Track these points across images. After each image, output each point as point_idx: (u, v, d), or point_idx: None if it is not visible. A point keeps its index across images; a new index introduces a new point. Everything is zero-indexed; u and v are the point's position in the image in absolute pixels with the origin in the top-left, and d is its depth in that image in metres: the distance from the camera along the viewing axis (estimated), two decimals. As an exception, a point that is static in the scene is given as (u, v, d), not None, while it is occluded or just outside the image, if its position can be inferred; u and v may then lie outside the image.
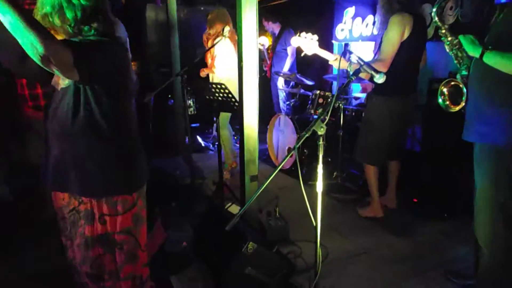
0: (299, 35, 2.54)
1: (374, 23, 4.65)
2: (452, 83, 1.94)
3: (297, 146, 1.63)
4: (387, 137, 2.84)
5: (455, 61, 1.97)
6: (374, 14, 4.63)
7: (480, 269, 1.89)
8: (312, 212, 1.73)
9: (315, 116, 4.08)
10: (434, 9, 1.96)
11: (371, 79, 1.74)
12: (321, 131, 1.63)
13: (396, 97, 2.77)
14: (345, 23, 5.05)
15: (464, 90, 1.88)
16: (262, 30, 6.76)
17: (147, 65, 6.50)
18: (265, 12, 5.61)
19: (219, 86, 2.63)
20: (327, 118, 1.63)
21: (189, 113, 3.03)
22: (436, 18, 1.95)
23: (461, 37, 1.80)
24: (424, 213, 3.13)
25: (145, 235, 1.68)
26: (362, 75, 1.95)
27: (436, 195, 3.27)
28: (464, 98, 1.88)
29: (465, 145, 1.94)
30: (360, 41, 4.88)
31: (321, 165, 1.67)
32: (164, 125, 5.12)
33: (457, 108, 1.92)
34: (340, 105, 3.70)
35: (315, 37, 2.52)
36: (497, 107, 1.68)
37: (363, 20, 4.80)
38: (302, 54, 2.61)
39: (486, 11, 3.31)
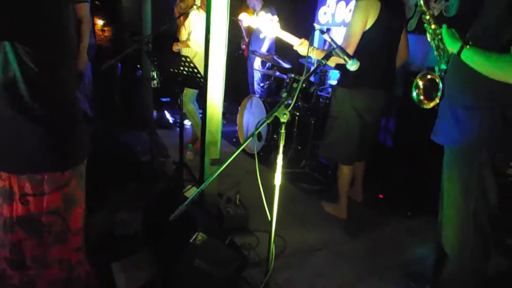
0: (257, 15, 2.28)
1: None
2: (429, 76, 1.80)
3: (256, 132, 1.46)
4: (353, 134, 2.64)
5: (435, 53, 1.83)
6: (359, 0, 4.48)
7: (444, 276, 1.80)
8: (269, 205, 1.60)
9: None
10: None
11: (340, 67, 1.58)
12: (284, 118, 1.47)
13: (360, 90, 2.55)
14: (328, 6, 4.86)
15: (440, 85, 1.74)
16: (243, 6, 6.48)
17: (120, 31, 6.13)
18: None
19: (183, 59, 2.41)
20: (292, 104, 1.47)
21: (152, 85, 2.79)
22: (421, 1, 1.79)
23: (443, 29, 1.65)
24: (389, 210, 3.07)
25: (79, 217, 1.48)
26: (331, 61, 1.77)
27: (403, 192, 3.22)
28: (439, 94, 1.74)
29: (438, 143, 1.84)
30: (343, 27, 4.72)
31: (280, 156, 1.52)
32: (131, 96, 4.85)
33: (431, 105, 1.78)
34: (314, 91, 3.55)
35: (276, 18, 2.28)
36: (468, 107, 1.55)
37: (346, 4, 4.62)
38: (262, 36, 2.38)
39: (472, 5, 3.20)
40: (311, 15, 5.12)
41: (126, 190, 2.82)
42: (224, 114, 5.52)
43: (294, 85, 3.70)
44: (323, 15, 4.93)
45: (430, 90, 1.80)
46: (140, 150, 3.47)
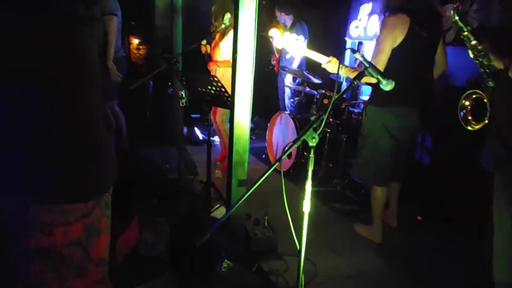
0: (283, 35, 2.25)
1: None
2: (475, 96, 1.65)
3: (283, 157, 1.38)
4: (384, 153, 2.50)
5: (481, 70, 1.68)
6: (392, 12, 4.34)
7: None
8: (298, 230, 1.50)
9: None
10: (454, 6, 1.67)
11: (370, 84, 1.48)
12: (312, 142, 1.38)
13: (389, 109, 2.42)
14: (360, 20, 4.74)
15: (487, 103, 1.59)
16: (274, 21, 6.49)
17: (153, 49, 6.30)
18: (280, 2, 5.33)
19: (211, 79, 2.38)
20: (321, 128, 1.38)
21: (181, 104, 2.78)
22: (456, 17, 1.66)
23: (487, 45, 1.52)
24: (428, 233, 2.87)
25: (102, 248, 1.44)
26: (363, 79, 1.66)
27: (443, 214, 3.01)
28: (488, 114, 1.59)
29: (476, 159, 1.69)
30: (375, 40, 4.56)
31: (309, 182, 1.42)
32: (161, 113, 4.91)
33: (479, 126, 1.63)
34: (346, 108, 3.43)
35: (301, 38, 2.23)
36: None
37: (379, 18, 4.47)
38: (289, 56, 2.36)
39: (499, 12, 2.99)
40: (343, 29, 5.02)
41: (152, 208, 2.80)
42: (253, 129, 5.49)
43: (325, 101, 3.61)
44: (355, 29, 4.81)
45: (477, 110, 1.65)
46: (168, 167, 3.46)
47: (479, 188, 2.79)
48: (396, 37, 2.24)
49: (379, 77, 1.40)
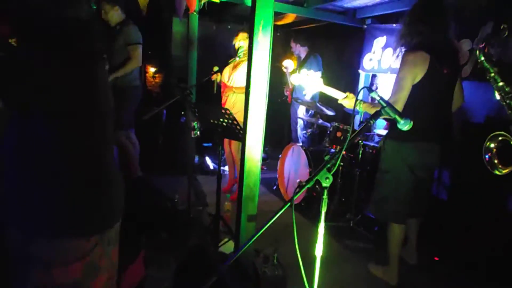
0: (299, 72, 2.25)
1: (406, 56, 4.33)
2: (501, 138, 1.57)
3: (294, 198, 1.32)
4: (404, 190, 2.40)
5: (508, 112, 1.61)
6: (406, 46, 4.33)
7: None
8: (309, 271, 1.42)
9: (332, 150, 3.75)
10: (480, 47, 1.63)
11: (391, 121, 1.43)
12: (326, 183, 1.32)
13: (410, 144, 2.34)
14: (374, 52, 4.75)
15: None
16: (288, 52, 6.57)
17: (169, 78, 6.43)
18: (295, 34, 5.41)
19: (223, 111, 2.37)
20: (335, 167, 1.32)
21: (192, 135, 2.76)
22: (482, 58, 1.61)
23: None
24: (446, 275, 2.72)
25: (101, 286, 1.38)
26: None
27: (462, 254, 2.86)
28: None
29: (500, 198, 1.60)
30: (389, 73, 4.55)
31: (322, 225, 1.35)
32: (174, 141, 4.93)
33: (507, 170, 1.53)
34: (360, 141, 3.37)
35: (319, 74, 2.24)
36: None
37: (394, 51, 4.46)
38: (304, 93, 2.35)
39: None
40: (356, 61, 5.03)
41: (160, 242, 2.74)
42: (265, 159, 5.45)
43: (338, 134, 3.56)
44: (369, 61, 4.82)
45: (504, 153, 1.57)
46: (177, 199, 3.41)
47: (500, 231, 2.68)
48: (417, 74, 2.20)
49: (396, 116, 1.35)
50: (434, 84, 2.25)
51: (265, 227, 1.33)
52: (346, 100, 2.31)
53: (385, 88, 4.91)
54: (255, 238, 1.33)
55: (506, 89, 1.55)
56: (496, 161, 1.58)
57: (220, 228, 2.85)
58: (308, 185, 1.33)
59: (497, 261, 2.65)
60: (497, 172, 1.57)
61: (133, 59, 3.57)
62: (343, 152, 3.59)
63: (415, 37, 2.24)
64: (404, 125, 1.36)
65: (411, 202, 2.45)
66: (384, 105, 1.36)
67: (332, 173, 1.32)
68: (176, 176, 4.31)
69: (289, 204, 1.33)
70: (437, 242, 3.07)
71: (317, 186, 3.62)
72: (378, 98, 1.36)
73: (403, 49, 2.35)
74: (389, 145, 2.44)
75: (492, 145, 1.60)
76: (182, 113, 4.83)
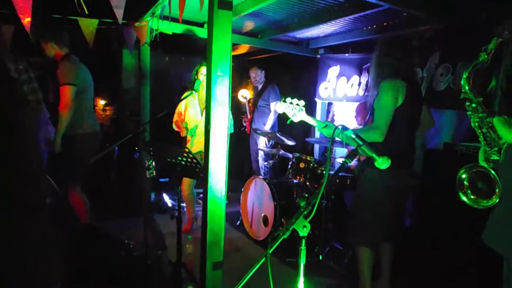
0: (284, 100, 2.24)
1: (359, 84, 4.43)
2: (475, 170, 1.54)
3: (270, 251, 1.17)
4: (383, 215, 2.43)
5: (482, 142, 1.59)
6: (359, 75, 4.45)
7: None
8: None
9: (295, 181, 3.66)
10: (465, 75, 1.62)
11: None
12: (304, 232, 1.18)
13: (391, 171, 2.36)
14: (329, 81, 4.83)
15: (497, 178, 1.47)
16: (243, 83, 6.55)
17: (120, 111, 6.12)
18: (250, 64, 5.39)
19: (182, 150, 2.19)
20: (312, 214, 1.20)
21: (147, 175, 2.54)
22: (467, 88, 1.60)
23: (496, 118, 1.45)
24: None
25: None
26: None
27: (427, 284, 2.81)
28: (497, 190, 1.45)
29: (466, 227, 1.55)
30: (345, 101, 4.63)
31: (301, 279, 1.20)
32: (127, 179, 4.60)
33: (490, 203, 1.48)
34: (323, 171, 3.30)
35: (302, 102, 2.21)
36: None
37: (348, 80, 4.58)
38: (288, 121, 2.30)
39: (481, 80, 3.08)
40: (312, 90, 5.09)
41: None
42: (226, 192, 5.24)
43: (301, 165, 3.49)
44: (324, 90, 4.89)
45: (478, 184, 1.53)
46: (132, 244, 3.11)
47: (468, 254, 2.67)
48: (397, 100, 2.30)
49: (373, 155, 1.27)
50: (411, 110, 2.38)
51: (242, 283, 1.15)
52: (326, 128, 2.27)
53: (341, 116, 4.98)
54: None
55: (487, 119, 1.53)
56: (473, 197, 1.54)
57: (182, 276, 2.60)
58: (284, 236, 1.19)
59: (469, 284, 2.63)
60: (476, 207, 1.52)
61: (62, 104, 3.04)
62: (307, 183, 3.53)
63: (385, 69, 2.37)
64: (382, 164, 1.28)
65: (388, 227, 2.48)
66: (361, 143, 1.27)
67: (309, 220, 1.19)
68: (130, 218, 3.97)
69: (263, 259, 1.17)
70: (404, 270, 3.01)
71: (282, 220, 3.49)
72: (354, 136, 1.28)
73: (370, 81, 2.42)
74: (369, 172, 2.45)
75: (464, 177, 1.55)
76: (136, 148, 4.55)
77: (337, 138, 2.21)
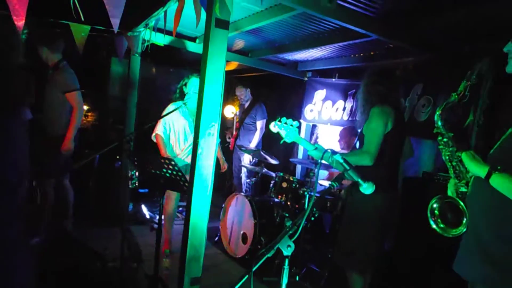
0: (279, 121, 2.28)
1: (344, 109, 4.54)
2: (445, 200, 1.60)
3: (254, 269, 1.18)
4: (373, 238, 2.45)
5: (452, 174, 1.66)
6: (345, 100, 4.57)
7: None
8: None
9: (276, 200, 3.68)
10: (438, 112, 1.69)
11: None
12: (288, 251, 1.20)
13: (381, 194, 2.35)
14: (314, 104, 4.93)
15: (465, 209, 1.53)
16: (229, 99, 6.60)
17: (104, 118, 6.04)
18: (238, 81, 5.45)
19: (167, 161, 2.19)
20: (297, 233, 1.22)
21: (130, 185, 2.52)
22: (440, 123, 1.67)
23: (464, 153, 1.52)
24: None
25: None
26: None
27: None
28: (465, 221, 1.52)
29: (441, 254, 1.60)
30: (329, 124, 4.73)
31: (283, 299, 1.21)
32: (106, 188, 4.51)
33: (457, 232, 1.55)
34: (305, 192, 3.34)
35: (296, 123, 2.26)
36: (506, 243, 1.34)
37: (333, 104, 4.69)
38: (282, 141, 2.34)
39: (460, 111, 3.21)
40: (298, 111, 5.18)
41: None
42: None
43: (284, 184, 3.52)
44: (309, 112, 4.98)
45: (448, 214, 1.59)
46: (108, 252, 3.03)
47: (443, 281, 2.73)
48: (387, 125, 2.37)
49: (359, 180, 1.31)
50: (400, 135, 2.47)
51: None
52: (315, 151, 2.31)
53: (325, 138, 5.08)
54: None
55: (457, 154, 1.61)
56: (443, 225, 1.60)
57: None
58: (269, 254, 1.20)
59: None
60: (446, 235, 1.58)
61: (76, 108, 3.35)
62: (288, 203, 3.55)
63: (374, 95, 2.45)
64: (367, 189, 1.33)
65: (377, 252, 2.50)
66: (348, 168, 1.31)
67: (293, 240, 1.21)
68: (107, 228, 3.89)
69: (247, 276, 1.18)
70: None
71: (261, 239, 3.48)
72: (341, 161, 1.32)
73: (359, 107, 2.55)
74: (360, 195, 2.44)
75: (435, 206, 1.62)
76: (117, 157, 4.49)
77: (323, 162, 2.27)
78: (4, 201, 1.06)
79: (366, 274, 2.50)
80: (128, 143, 2.55)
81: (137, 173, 2.55)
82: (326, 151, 1.44)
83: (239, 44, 4.38)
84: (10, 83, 1.04)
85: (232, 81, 6.21)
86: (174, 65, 6.28)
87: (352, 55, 4.18)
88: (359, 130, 2.59)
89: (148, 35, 3.72)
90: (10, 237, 1.11)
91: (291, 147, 5.42)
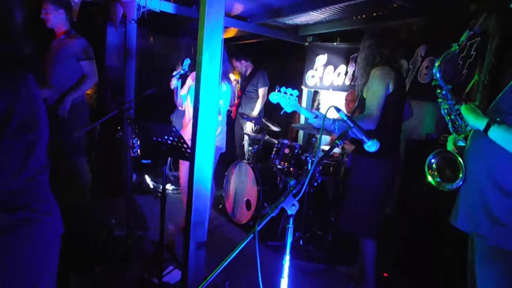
0: (279, 90, 2.22)
1: (346, 73, 4.46)
2: (443, 154, 1.59)
3: (258, 229, 1.18)
4: (381, 204, 2.49)
5: (451, 128, 1.65)
6: (346, 65, 4.47)
7: None
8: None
9: (279, 166, 3.69)
10: (437, 64, 1.65)
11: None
12: (292, 210, 1.20)
13: (386, 159, 2.42)
14: (316, 70, 4.84)
15: (462, 163, 1.52)
16: (230, 67, 6.47)
17: (103, 90, 5.97)
18: (237, 51, 5.33)
19: (168, 128, 2.17)
20: (302, 192, 1.21)
21: (132, 154, 2.51)
22: (438, 75, 1.63)
23: (463, 106, 1.49)
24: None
25: None
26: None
27: (408, 271, 2.91)
28: (461, 175, 1.51)
29: (445, 216, 1.61)
30: (331, 90, 4.66)
31: (288, 258, 1.22)
32: (108, 159, 4.53)
33: (453, 186, 1.54)
34: (308, 158, 3.34)
35: (295, 92, 2.20)
36: (506, 196, 1.33)
37: (335, 69, 4.60)
38: (282, 112, 2.29)
39: (464, 71, 3.14)
40: (299, 78, 5.09)
41: (95, 277, 2.41)
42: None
43: (286, 150, 3.51)
44: (311, 78, 4.90)
45: (445, 169, 1.58)
46: (114, 222, 3.08)
47: (446, 243, 2.77)
48: (388, 86, 2.32)
49: (363, 138, 1.29)
50: (400, 97, 2.42)
51: (228, 260, 1.17)
52: (317, 119, 2.28)
53: (327, 104, 5.02)
54: (218, 272, 1.16)
55: (456, 107, 1.59)
56: (439, 179, 1.60)
57: (164, 256, 2.60)
58: (272, 213, 1.20)
59: (445, 273, 2.73)
60: (441, 189, 1.58)
61: (90, 76, 3.29)
62: (291, 169, 3.56)
63: (378, 57, 2.39)
64: (372, 147, 1.31)
65: (383, 216, 2.54)
66: (352, 126, 1.28)
67: (297, 199, 1.21)
68: (111, 198, 3.93)
69: (252, 235, 1.18)
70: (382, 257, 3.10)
71: (265, 205, 3.52)
72: (345, 118, 1.29)
73: (359, 69, 2.50)
74: (365, 162, 2.45)
75: (433, 161, 1.61)
76: (119, 128, 4.46)
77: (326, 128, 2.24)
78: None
79: (377, 239, 2.54)
80: (128, 111, 2.52)
81: (138, 142, 2.53)
82: (326, 116, 1.41)
83: (237, 9, 4.24)
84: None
85: (232, 48, 6.08)
86: (173, 34, 6.14)
87: (354, 17, 4.04)
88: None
89: (144, 0, 3.61)
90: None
91: (293, 113, 5.37)
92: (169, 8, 3.88)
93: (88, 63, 3.28)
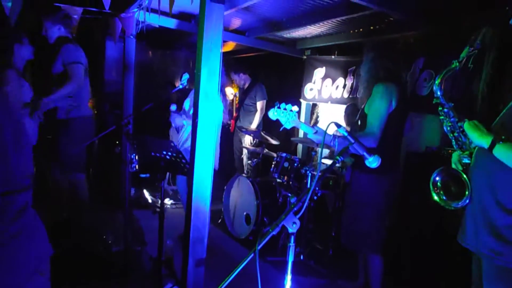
0: (278, 107, 2.17)
1: (344, 86, 4.47)
2: (448, 172, 1.57)
3: (258, 248, 1.16)
4: (384, 220, 2.47)
5: (455, 146, 1.63)
6: (345, 78, 4.49)
7: None
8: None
9: (278, 180, 3.66)
10: (437, 81, 1.64)
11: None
12: (293, 228, 1.17)
13: (386, 175, 2.38)
14: (314, 82, 4.85)
15: (467, 181, 1.50)
16: (228, 81, 6.51)
17: (101, 103, 5.98)
18: (235, 64, 5.35)
19: (166, 143, 2.15)
20: (302, 210, 1.19)
21: (130, 169, 2.49)
22: (439, 93, 1.62)
23: (466, 123, 1.48)
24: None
25: None
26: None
27: (410, 285, 2.86)
28: (468, 193, 1.49)
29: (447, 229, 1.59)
30: (330, 103, 4.67)
31: (289, 277, 1.20)
32: (107, 172, 4.50)
33: (459, 204, 1.52)
34: (307, 171, 3.31)
35: (295, 108, 2.16)
36: (511, 215, 1.32)
37: (333, 82, 4.61)
38: (282, 128, 2.25)
39: (463, 84, 3.15)
40: (298, 90, 5.10)
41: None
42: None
43: (285, 164, 3.49)
44: (309, 91, 4.91)
45: (450, 187, 1.56)
46: (112, 238, 3.04)
47: (447, 257, 2.73)
48: (391, 103, 2.30)
49: (365, 154, 1.28)
50: (401, 113, 2.39)
51: (228, 280, 1.14)
52: (316, 135, 2.24)
53: (326, 117, 5.02)
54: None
55: (459, 124, 1.57)
56: (445, 198, 1.57)
57: (162, 272, 2.55)
58: (273, 231, 1.17)
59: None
60: (448, 207, 1.56)
61: (71, 79, 3.10)
62: (290, 182, 3.53)
63: (381, 72, 2.36)
64: (373, 162, 1.29)
65: (385, 231, 2.49)
66: (352, 142, 1.27)
67: (298, 217, 1.19)
68: (109, 212, 3.89)
69: (252, 254, 1.15)
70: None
71: (264, 219, 3.48)
72: (346, 134, 1.28)
73: (361, 84, 2.50)
74: (366, 178, 2.42)
75: (437, 179, 1.59)
76: (117, 142, 4.45)
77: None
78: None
79: (383, 254, 2.49)
80: (127, 126, 2.51)
81: (137, 157, 2.52)
82: (326, 132, 1.39)
83: (236, 23, 4.27)
84: None
85: (230, 62, 6.11)
86: (171, 48, 6.18)
87: (351, 31, 4.07)
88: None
89: (142, 16, 3.63)
90: None
91: (292, 128, 5.37)
92: (168, 23, 3.91)
93: (71, 67, 3.13)
